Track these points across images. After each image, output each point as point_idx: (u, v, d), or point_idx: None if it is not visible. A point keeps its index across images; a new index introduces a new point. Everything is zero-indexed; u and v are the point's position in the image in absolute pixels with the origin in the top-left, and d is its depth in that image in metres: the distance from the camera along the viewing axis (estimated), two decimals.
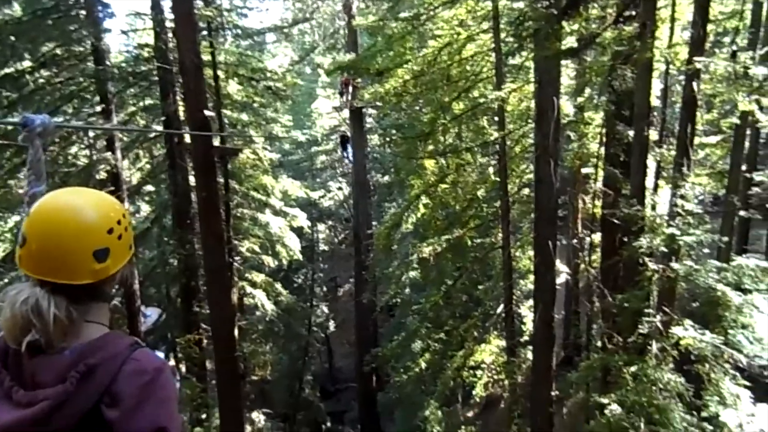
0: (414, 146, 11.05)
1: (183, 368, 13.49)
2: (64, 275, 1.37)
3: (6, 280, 9.42)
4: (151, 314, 14.06)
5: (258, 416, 15.38)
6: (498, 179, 10.31)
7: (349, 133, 19.38)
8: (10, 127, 9.17)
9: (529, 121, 9.83)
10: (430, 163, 11.48)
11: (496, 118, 10.40)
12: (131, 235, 1.54)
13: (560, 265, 10.77)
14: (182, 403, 13.24)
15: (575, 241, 10.85)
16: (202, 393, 12.47)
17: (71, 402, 1.30)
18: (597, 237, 10.23)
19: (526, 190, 10.83)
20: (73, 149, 11.35)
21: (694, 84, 6.65)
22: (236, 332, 12.47)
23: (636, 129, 7.26)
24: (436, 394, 10.87)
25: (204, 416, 12.67)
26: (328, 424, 20.72)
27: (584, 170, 10.64)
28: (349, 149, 18.54)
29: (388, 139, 20.57)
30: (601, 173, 9.49)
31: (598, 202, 9.88)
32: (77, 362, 1.33)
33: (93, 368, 1.33)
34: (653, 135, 8.20)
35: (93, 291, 1.44)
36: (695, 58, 6.34)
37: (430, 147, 11.18)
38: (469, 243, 10.94)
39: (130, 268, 1.64)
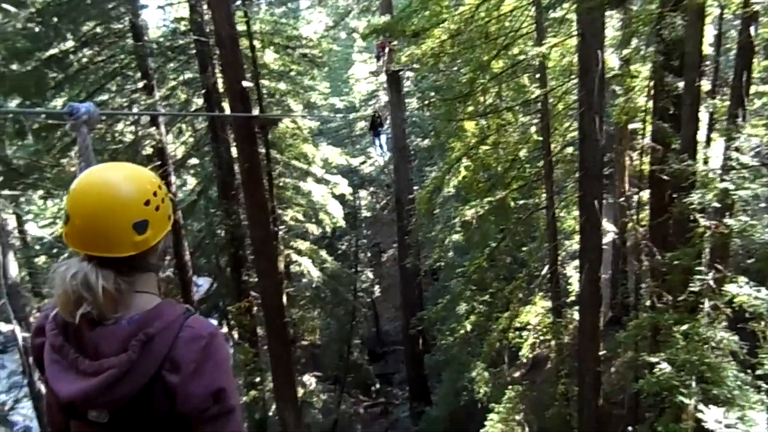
0: (453, 108, 10.86)
1: (235, 335, 13.97)
2: (107, 249, 1.43)
3: (64, 256, 9.88)
4: (202, 284, 14.57)
5: (309, 379, 15.85)
6: (540, 138, 10.06)
7: (382, 114, 17.33)
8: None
9: (572, 76, 9.49)
10: (470, 125, 11.29)
11: (538, 75, 10.08)
12: (169, 206, 1.58)
13: (607, 225, 10.52)
14: (236, 367, 13.79)
15: (622, 199, 10.56)
16: (255, 358, 12.92)
17: (135, 369, 1.38)
18: (645, 194, 9.91)
19: (569, 149, 10.54)
20: (119, 126, 11.64)
21: (751, 28, 6.27)
22: (284, 299, 12.80)
23: (686, 80, 6.92)
24: (482, 355, 10.91)
25: (258, 380, 13.16)
26: (377, 385, 21.21)
27: (631, 126, 10.26)
28: (382, 138, 16.07)
29: (426, 102, 20.26)
30: (649, 128, 9.13)
31: (646, 159, 9.54)
32: (136, 332, 1.40)
33: (152, 337, 1.40)
34: (705, 85, 7.80)
35: (138, 262, 1.49)
36: (752, 0, 5.96)
37: (470, 108, 10.96)
38: (512, 204, 10.77)
39: (171, 238, 1.70)
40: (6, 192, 11.03)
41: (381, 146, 16.31)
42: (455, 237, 12.84)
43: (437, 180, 11.70)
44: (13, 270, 10.76)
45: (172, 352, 1.42)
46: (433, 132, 15.05)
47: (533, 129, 10.99)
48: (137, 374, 1.38)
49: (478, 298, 11.39)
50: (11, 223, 15.92)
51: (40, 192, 11.24)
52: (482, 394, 10.99)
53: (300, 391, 13.33)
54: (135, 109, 10.79)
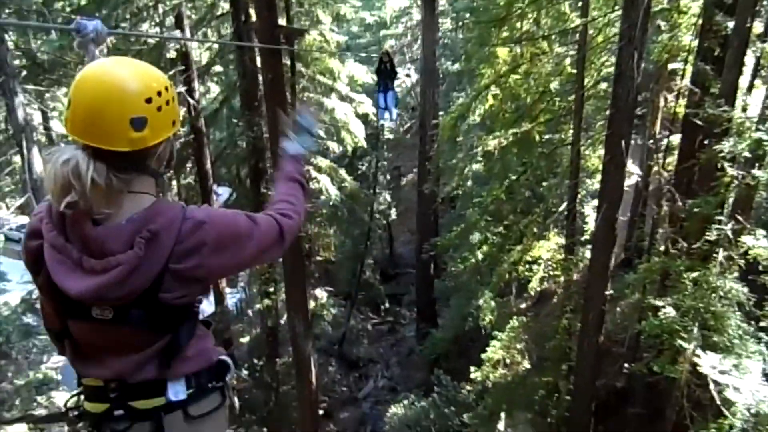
0: (487, 32, 10.44)
1: None
2: (102, 140, 1.42)
3: None
4: (222, 193, 14.77)
5: (321, 293, 16.34)
6: (574, 71, 9.70)
7: (393, 57, 12.72)
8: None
9: (616, 7, 8.99)
10: (502, 52, 10.88)
11: (579, 4, 9.58)
12: (175, 111, 1.56)
13: (631, 166, 10.32)
14: (252, 276, 14.23)
15: (651, 141, 10.27)
16: (270, 269, 13.30)
17: (143, 265, 1.43)
18: (675, 139, 9.62)
19: (603, 84, 10.16)
20: (144, 26, 11.44)
21: None
22: None
23: (738, 20, 6.52)
24: (491, 285, 11.10)
25: (272, 290, 13.61)
26: (387, 305, 21.82)
27: (671, 65, 9.79)
28: (389, 96, 11.30)
29: (460, 23, 19.48)
30: (689, 69, 8.72)
31: (682, 101, 9.17)
32: (140, 229, 1.43)
33: (156, 233, 1.44)
34: (757, 27, 7.35)
35: (134, 162, 1.49)
36: None
37: (505, 33, 10.53)
38: (537, 138, 10.57)
39: (175, 146, 1.69)
40: (31, 86, 11.06)
41: (387, 106, 11.25)
42: (476, 166, 12.73)
43: (463, 107, 11.46)
44: (38, 166, 10.98)
45: (177, 245, 1.46)
46: (464, 56, 14.51)
47: (568, 61, 10.57)
48: (146, 269, 1.43)
49: (492, 229, 11.44)
50: (36, 118, 16.08)
51: (65, 89, 11.25)
52: (487, 322, 11.28)
53: (311, 304, 13.78)
54: (160, 9, 10.54)
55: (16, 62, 10.70)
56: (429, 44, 17.12)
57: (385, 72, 11.07)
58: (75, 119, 1.43)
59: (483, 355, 10.96)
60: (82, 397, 1.69)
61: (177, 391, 1.61)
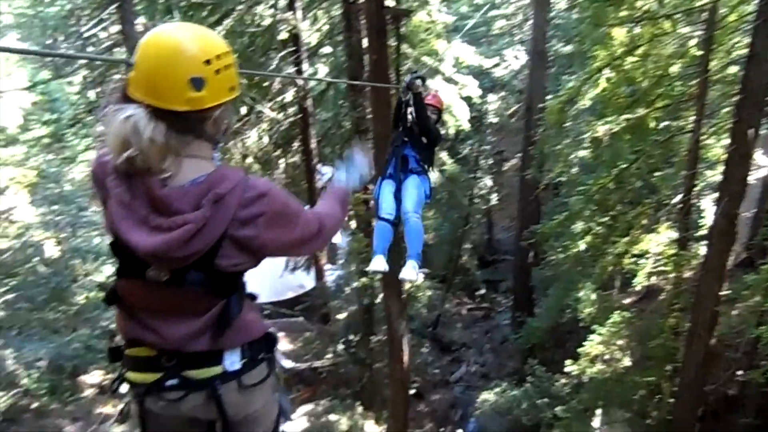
0: (603, 11, 9.87)
1: (352, 224, 14.68)
2: (161, 98, 1.50)
3: None
4: (326, 173, 15.22)
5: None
6: (699, 53, 8.98)
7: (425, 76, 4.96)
8: None
9: None
10: (619, 32, 10.24)
11: None
12: (233, 77, 1.62)
13: (759, 157, 9.45)
14: (349, 254, 14.63)
15: None
16: (367, 248, 13.59)
17: (209, 225, 1.49)
18: None
19: (732, 68, 9.32)
20: (259, 8, 11.92)
21: None
22: None
23: None
24: (593, 276, 10.69)
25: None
26: (483, 290, 21.63)
27: None
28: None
29: (574, 2, 18.54)
30: None
31: None
32: (206, 192, 1.51)
33: (222, 196, 1.51)
34: None
35: (192, 123, 1.56)
36: None
37: (623, 12, 9.91)
38: (653, 125, 9.92)
39: (232, 115, 1.77)
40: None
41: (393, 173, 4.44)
42: (582, 153, 12.18)
43: (573, 90, 10.97)
44: None
45: (239, 211, 1.53)
46: (577, 37, 13.83)
47: (692, 42, 9.79)
48: (210, 230, 1.49)
49: (597, 218, 10.94)
50: None
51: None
52: (586, 315, 10.90)
53: (406, 285, 13.95)
54: None
55: None
56: (540, 24, 16.52)
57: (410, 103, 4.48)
58: (138, 78, 1.51)
59: (580, 349, 10.62)
60: (124, 369, 1.71)
61: (233, 361, 1.66)
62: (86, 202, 13.82)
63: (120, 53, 12.27)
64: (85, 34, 12.55)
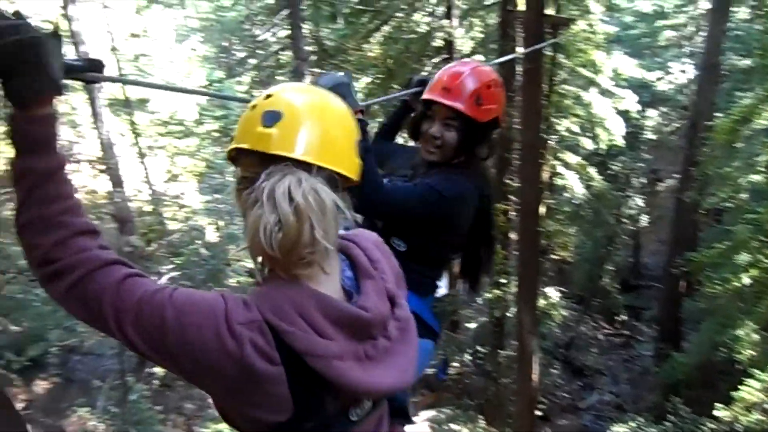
0: None
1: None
2: None
3: None
4: None
5: (553, 292, 15.92)
6: None
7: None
8: None
9: None
10: None
11: None
12: None
13: None
14: None
15: None
16: (504, 260, 13.44)
17: None
18: None
19: None
20: (416, 16, 12.30)
21: None
22: (543, 209, 12.78)
23: None
24: (755, 314, 9.65)
25: (503, 281, 13.74)
26: (624, 317, 20.32)
27: None
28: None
29: (761, 11, 16.73)
30: None
31: None
32: None
33: None
34: None
35: None
36: None
37: None
38: None
39: None
40: (316, 70, 12.76)
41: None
42: (755, 177, 11.04)
43: (749, 108, 10.03)
44: None
45: None
46: (759, 50, 12.51)
47: None
48: None
49: (766, 251, 9.85)
50: None
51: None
52: (745, 356, 9.86)
53: (541, 302, 13.55)
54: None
55: (308, 48, 12.39)
56: (715, 35, 15.14)
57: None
58: None
59: (734, 393, 9.61)
60: None
61: None
62: None
63: (286, 56, 13.42)
64: (259, 38, 13.84)
